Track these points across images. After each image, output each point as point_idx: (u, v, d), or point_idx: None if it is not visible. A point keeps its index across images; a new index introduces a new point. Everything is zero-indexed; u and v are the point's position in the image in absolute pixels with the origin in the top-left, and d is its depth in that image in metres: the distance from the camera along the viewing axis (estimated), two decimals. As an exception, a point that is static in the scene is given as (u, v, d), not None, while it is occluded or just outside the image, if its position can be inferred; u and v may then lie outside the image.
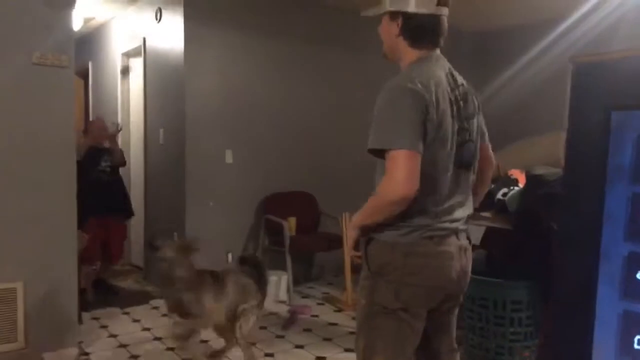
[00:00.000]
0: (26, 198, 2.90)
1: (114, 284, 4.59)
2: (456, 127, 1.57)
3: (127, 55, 5.26)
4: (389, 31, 1.64)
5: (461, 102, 1.60)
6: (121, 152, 4.47)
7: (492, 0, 4.68)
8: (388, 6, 1.61)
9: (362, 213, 1.59)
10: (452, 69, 1.66)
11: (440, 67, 1.60)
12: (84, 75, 5.96)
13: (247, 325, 2.77)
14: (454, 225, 1.60)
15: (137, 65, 5.10)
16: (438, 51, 1.65)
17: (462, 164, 1.61)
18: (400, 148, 1.43)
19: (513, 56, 5.36)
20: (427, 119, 1.47)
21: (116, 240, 4.34)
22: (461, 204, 1.63)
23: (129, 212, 4.48)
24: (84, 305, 3.98)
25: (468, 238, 1.70)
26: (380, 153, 1.49)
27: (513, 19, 5.17)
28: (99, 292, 4.22)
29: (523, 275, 2.69)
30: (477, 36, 5.69)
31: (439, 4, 1.57)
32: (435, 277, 1.57)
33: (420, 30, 1.59)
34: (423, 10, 1.56)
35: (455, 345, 1.80)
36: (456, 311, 1.78)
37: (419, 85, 1.48)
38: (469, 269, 1.71)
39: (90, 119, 5.40)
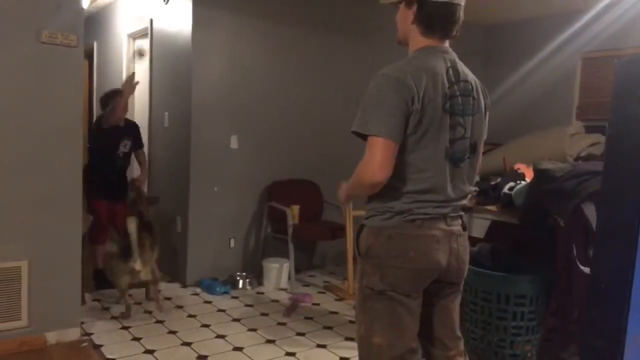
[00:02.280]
0: (33, 178, 2.89)
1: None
2: (452, 121, 1.60)
3: (133, 36, 5.22)
4: (405, 18, 1.68)
5: (459, 98, 1.61)
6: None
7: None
8: None
9: (348, 186, 1.70)
10: (459, 64, 1.67)
11: (442, 60, 1.62)
12: (89, 56, 5.92)
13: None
14: (442, 210, 1.63)
15: (143, 47, 5.06)
16: (447, 44, 1.67)
17: (451, 159, 1.62)
18: (377, 135, 1.50)
19: (522, 50, 5.34)
20: (410, 109, 1.52)
21: (122, 220, 4.21)
22: (453, 196, 1.65)
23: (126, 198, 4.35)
24: (101, 283, 4.01)
25: (463, 225, 1.73)
26: (363, 136, 1.55)
27: (522, 12, 5.13)
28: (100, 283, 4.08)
29: (527, 270, 2.69)
30: (486, 30, 5.66)
31: None
32: (418, 259, 1.60)
33: (433, 18, 1.63)
34: None
35: (459, 333, 1.81)
36: (458, 299, 1.81)
37: (408, 76, 1.53)
38: (465, 256, 1.73)
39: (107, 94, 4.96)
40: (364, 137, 1.54)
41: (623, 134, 1.89)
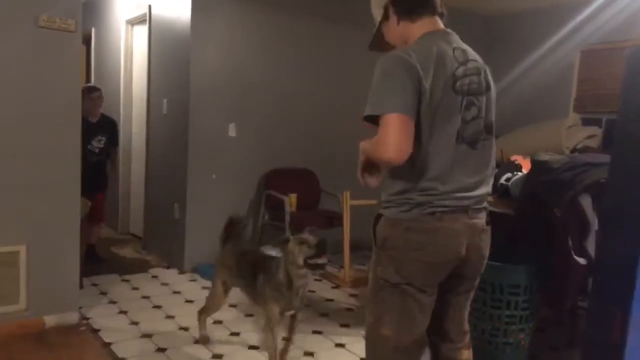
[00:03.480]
0: (31, 163, 2.90)
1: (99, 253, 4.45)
2: (464, 102, 1.55)
3: (132, 23, 5.19)
4: (392, 28, 1.68)
5: (470, 77, 1.57)
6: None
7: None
8: (376, 13, 1.71)
9: (367, 148, 1.59)
10: (464, 45, 1.64)
11: (447, 42, 1.59)
12: (87, 42, 5.88)
13: None
14: (462, 202, 1.57)
15: (141, 34, 5.04)
16: (441, 24, 1.65)
17: (465, 140, 1.56)
18: (392, 112, 1.44)
19: (521, 42, 5.33)
20: (420, 89, 1.47)
21: (98, 210, 4.14)
22: (472, 181, 1.59)
23: (102, 189, 4.33)
24: (95, 259, 4.10)
25: (487, 220, 1.67)
26: (376, 123, 1.49)
27: (522, 3, 5.12)
28: (91, 261, 4.10)
29: (522, 260, 2.72)
30: (486, 20, 5.64)
31: None
32: (437, 253, 1.56)
33: (409, 1, 1.63)
34: None
35: (467, 327, 1.80)
36: (471, 295, 1.78)
37: (413, 56, 1.49)
38: (485, 251, 1.68)
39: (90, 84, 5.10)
40: (377, 122, 1.48)
41: (633, 121, 1.88)
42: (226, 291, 2.89)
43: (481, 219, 1.64)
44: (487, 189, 1.65)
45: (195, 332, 3.06)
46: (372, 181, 1.66)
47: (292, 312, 2.57)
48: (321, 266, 2.45)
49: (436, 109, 1.50)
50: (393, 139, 1.43)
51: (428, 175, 1.53)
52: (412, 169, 1.53)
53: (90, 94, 4.10)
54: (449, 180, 1.55)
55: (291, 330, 2.67)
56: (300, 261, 2.37)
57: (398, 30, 1.67)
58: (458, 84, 1.54)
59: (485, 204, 1.66)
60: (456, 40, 1.63)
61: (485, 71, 1.65)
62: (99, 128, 4.17)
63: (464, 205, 1.57)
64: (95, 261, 4.21)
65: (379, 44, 1.75)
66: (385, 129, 1.44)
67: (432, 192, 1.54)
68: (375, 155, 1.51)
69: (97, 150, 4.15)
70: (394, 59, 1.51)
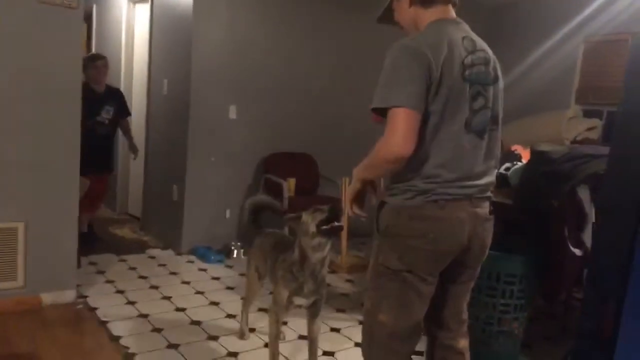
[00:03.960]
0: (30, 140, 2.89)
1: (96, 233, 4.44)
2: (472, 91, 1.54)
3: (134, 1, 5.14)
4: (403, 9, 1.65)
5: (478, 67, 1.56)
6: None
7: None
8: None
9: (362, 166, 1.62)
10: (473, 35, 1.62)
11: (457, 30, 1.58)
12: (87, 19, 5.82)
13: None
14: (466, 191, 1.56)
15: (143, 12, 4.99)
16: (453, 13, 1.63)
17: (472, 129, 1.56)
18: (399, 105, 1.43)
19: (524, 33, 5.30)
20: (429, 78, 1.46)
21: (98, 194, 4.13)
22: (478, 170, 1.59)
23: (110, 169, 4.38)
24: (92, 238, 4.12)
25: (490, 210, 1.66)
26: (384, 113, 1.48)
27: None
28: (89, 242, 4.11)
29: (519, 250, 2.73)
30: (490, 11, 5.60)
31: None
32: (440, 241, 1.55)
33: None
34: None
35: (465, 316, 1.80)
36: (471, 285, 1.78)
37: (423, 45, 1.48)
38: (487, 240, 1.68)
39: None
40: (385, 114, 1.47)
41: (635, 113, 1.86)
42: (260, 278, 2.71)
43: (484, 208, 1.63)
44: (491, 178, 1.65)
45: (193, 314, 3.08)
46: (361, 213, 1.69)
47: (305, 301, 2.27)
48: (337, 230, 2.14)
49: (447, 96, 1.49)
50: (399, 135, 1.43)
51: (434, 163, 1.53)
52: (417, 156, 1.51)
53: (94, 62, 3.99)
54: (455, 168, 1.54)
55: (310, 325, 2.39)
56: (314, 227, 2.11)
57: (409, 13, 1.64)
58: (467, 72, 1.53)
59: (489, 194, 1.66)
60: (466, 29, 1.62)
61: (494, 62, 1.64)
62: (107, 98, 4.06)
63: (468, 194, 1.57)
64: (93, 240, 4.22)
65: (389, 18, 1.73)
66: (394, 124, 1.44)
67: (437, 179, 1.53)
68: (379, 153, 1.49)
69: (106, 122, 4.05)
70: (404, 49, 1.49)
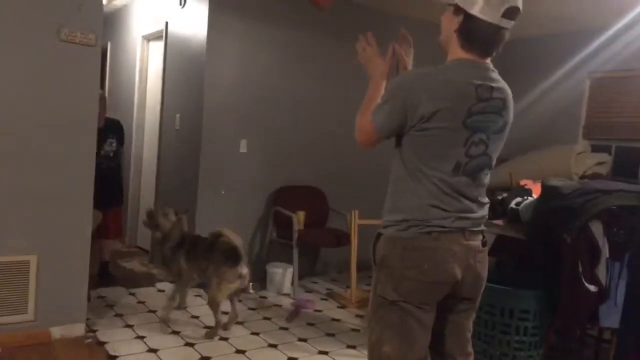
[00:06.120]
0: (45, 173, 2.93)
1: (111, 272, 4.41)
2: (474, 138, 1.59)
3: (148, 38, 5.28)
4: (449, 23, 1.65)
5: (486, 115, 1.59)
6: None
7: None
8: None
9: (368, 96, 1.78)
10: (495, 80, 1.63)
11: (474, 75, 1.59)
12: (102, 55, 5.96)
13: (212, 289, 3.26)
14: (460, 224, 1.61)
15: (157, 49, 5.12)
16: (487, 60, 1.64)
17: (465, 173, 1.61)
18: (372, 122, 1.66)
19: (531, 68, 5.37)
20: (412, 114, 1.56)
21: (109, 227, 4.10)
22: (469, 206, 1.63)
23: (120, 202, 4.36)
24: (106, 275, 4.16)
25: (484, 242, 1.69)
26: None
27: (534, 29, 5.17)
28: (103, 278, 4.17)
29: (532, 285, 2.71)
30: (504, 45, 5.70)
31: (504, 15, 1.56)
32: (432, 272, 1.59)
33: (476, 35, 1.59)
34: (485, 17, 1.55)
35: (471, 350, 1.80)
36: (472, 316, 1.79)
37: (422, 83, 1.57)
38: (483, 272, 1.70)
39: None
40: None
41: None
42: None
43: (477, 241, 1.67)
44: (484, 212, 1.70)
45: (203, 350, 3.05)
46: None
47: None
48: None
49: (439, 136, 1.56)
50: (363, 138, 1.72)
51: (427, 197, 1.60)
52: (410, 189, 1.61)
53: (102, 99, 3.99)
54: (447, 203, 1.60)
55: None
56: None
57: (450, 33, 1.64)
58: (470, 119, 1.57)
59: (482, 227, 1.70)
60: (487, 75, 1.61)
61: (507, 109, 1.65)
62: (107, 131, 4.07)
63: (461, 227, 1.62)
64: (107, 278, 4.21)
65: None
66: (364, 129, 1.70)
67: (430, 213, 1.59)
68: (358, 118, 1.74)
69: (111, 154, 4.10)
70: (402, 82, 1.63)
